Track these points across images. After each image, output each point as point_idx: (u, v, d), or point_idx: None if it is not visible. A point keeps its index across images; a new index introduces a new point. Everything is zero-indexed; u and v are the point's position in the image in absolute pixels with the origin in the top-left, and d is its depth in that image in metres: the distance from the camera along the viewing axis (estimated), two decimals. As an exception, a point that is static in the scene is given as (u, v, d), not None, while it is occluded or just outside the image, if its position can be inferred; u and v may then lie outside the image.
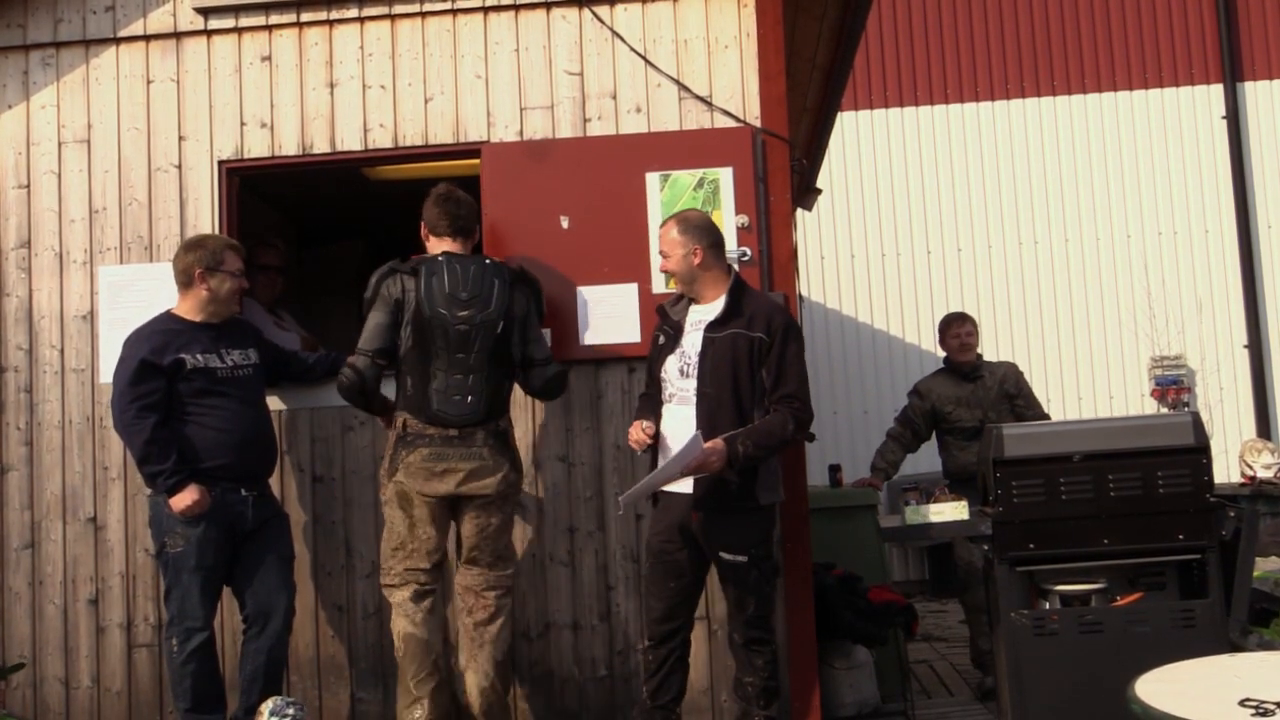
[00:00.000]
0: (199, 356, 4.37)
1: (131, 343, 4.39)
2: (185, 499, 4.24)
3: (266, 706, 4.25)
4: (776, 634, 4.31)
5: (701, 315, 4.19)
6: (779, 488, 4.25)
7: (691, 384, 4.11)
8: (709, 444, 3.92)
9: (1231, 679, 2.69)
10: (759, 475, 4.08)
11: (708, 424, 4.02)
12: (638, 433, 4.16)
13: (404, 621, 4.28)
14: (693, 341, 4.16)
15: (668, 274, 4.32)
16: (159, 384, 4.29)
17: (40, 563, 4.91)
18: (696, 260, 4.17)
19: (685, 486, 4.09)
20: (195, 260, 4.43)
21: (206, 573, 4.32)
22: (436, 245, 4.43)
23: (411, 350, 4.29)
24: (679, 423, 4.10)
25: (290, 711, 4.22)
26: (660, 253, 4.28)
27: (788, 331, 4.12)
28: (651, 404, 4.29)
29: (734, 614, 4.15)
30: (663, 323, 4.30)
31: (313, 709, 4.76)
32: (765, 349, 4.07)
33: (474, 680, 4.30)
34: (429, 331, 4.25)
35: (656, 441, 4.18)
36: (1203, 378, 10.33)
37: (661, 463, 4.08)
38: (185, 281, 4.46)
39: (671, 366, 4.19)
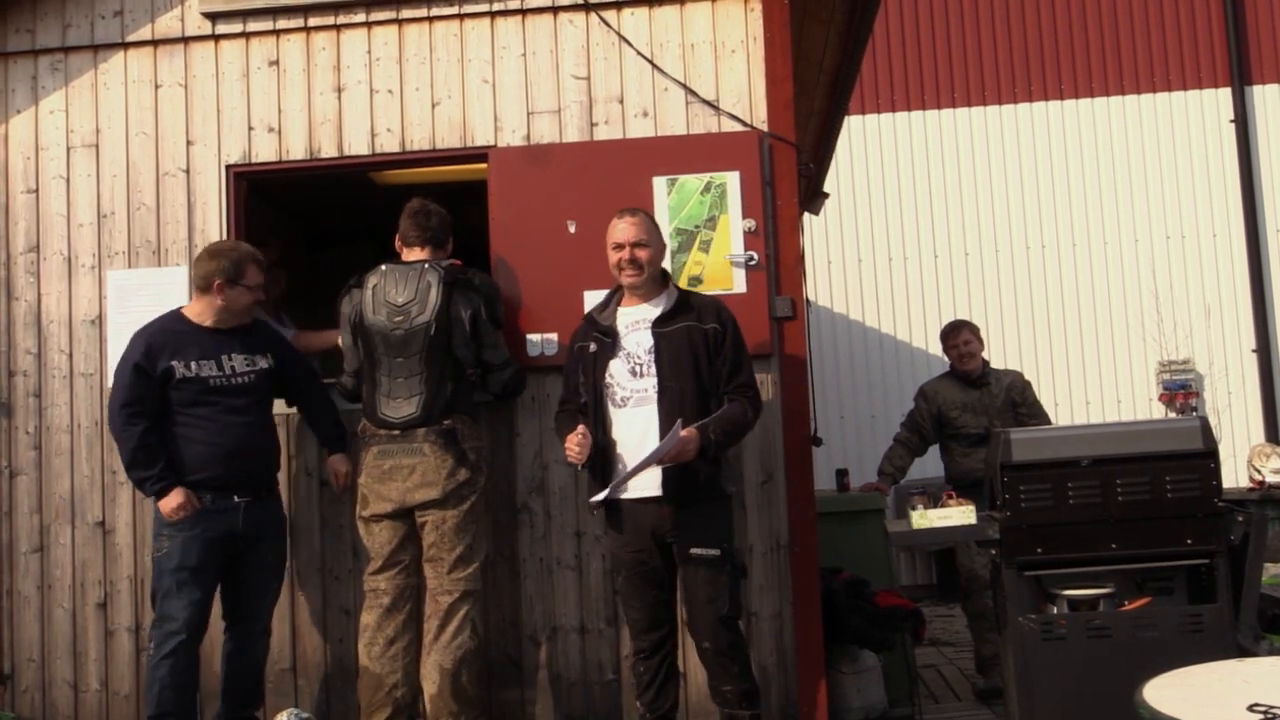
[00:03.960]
0: (193, 365, 4.36)
1: (133, 341, 4.41)
2: (171, 502, 4.26)
3: (280, 717, 4.27)
4: (769, 640, 4.27)
5: (638, 315, 4.18)
6: (739, 477, 4.36)
7: (649, 382, 4.08)
8: (684, 432, 3.92)
9: (1240, 684, 2.68)
10: (722, 465, 4.14)
11: (672, 417, 3.99)
12: (575, 440, 4.02)
13: (362, 650, 4.43)
14: (637, 341, 4.13)
15: (639, 264, 4.15)
16: (149, 390, 4.30)
17: (49, 566, 4.92)
18: (663, 257, 4.30)
19: (649, 490, 4.03)
20: (217, 270, 4.43)
21: (188, 575, 4.28)
22: (408, 255, 4.57)
23: (364, 359, 4.48)
24: (638, 424, 4.06)
25: None
26: (639, 242, 4.15)
27: (735, 323, 4.21)
28: (571, 418, 4.21)
29: (705, 618, 4.04)
30: (591, 329, 4.23)
31: (319, 713, 4.77)
32: (720, 339, 4.12)
33: (426, 688, 4.33)
34: (370, 339, 4.44)
35: (604, 450, 4.09)
36: (1211, 382, 10.31)
37: (630, 461, 4.03)
38: (204, 287, 4.46)
39: (619, 370, 4.13)
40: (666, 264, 4.41)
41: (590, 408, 4.16)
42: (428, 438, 4.35)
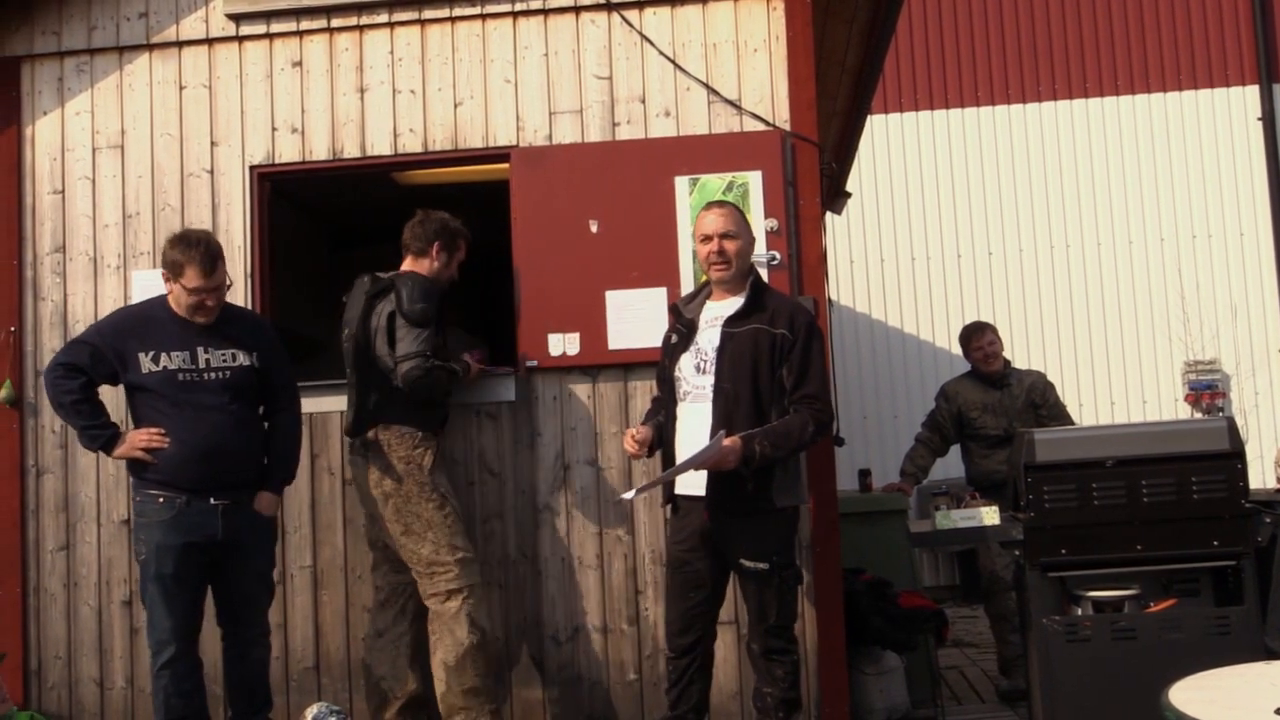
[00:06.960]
0: (161, 356, 4.14)
1: (107, 318, 4.37)
2: (128, 447, 4.15)
3: (310, 712, 4.29)
4: (799, 644, 4.18)
5: (719, 311, 4.11)
6: (799, 489, 4.15)
7: (709, 380, 4.02)
8: (727, 441, 3.85)
9: (1267, 687, 2.66)
10: (774, 476, 3.98)
11: (723, 420, 3.94)
12: (628, 438, 4.15)
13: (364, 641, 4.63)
14: (709, 338, 4.08)
15: (727, 256, 4.08)
16: (96, 366, 4.17)
17: (75, 564, 4.96)
18: (752, 252, 4.20)
19: (697, 489, 4.02)
20: (163, 261, 4.22)
21: (167, 582, 4.10)
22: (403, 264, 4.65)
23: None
24: (695, 420, 4.02)
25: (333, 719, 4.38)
26: (727, 233, 4.07)
27: (811, 330, 4.05)
28: (659, 407, 4.25)
29: (754, 623, 4.06)
30: (676, 321, 4.23)
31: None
32: (788, 346, 3.99)
33: (436, 687, 4.39)
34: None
35: (668, 443, 4.13)
36: (1237, 382, 10.23)
37: (678, 457, 4.03)
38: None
39: (687, 364, 4.11)
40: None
41: (665, 398, 4.21)
42: (356, 449, 4.51)
